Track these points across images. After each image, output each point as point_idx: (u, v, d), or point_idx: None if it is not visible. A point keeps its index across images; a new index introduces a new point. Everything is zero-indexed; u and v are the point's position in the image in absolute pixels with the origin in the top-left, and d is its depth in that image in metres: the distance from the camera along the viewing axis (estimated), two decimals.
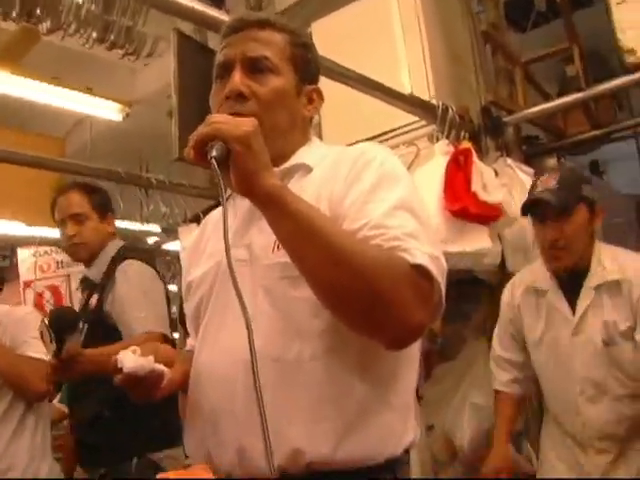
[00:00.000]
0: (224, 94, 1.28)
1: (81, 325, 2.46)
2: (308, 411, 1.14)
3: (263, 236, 1.23)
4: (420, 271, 1.07)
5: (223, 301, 1.27)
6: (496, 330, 2.62)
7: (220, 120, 1.07)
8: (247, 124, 1.06)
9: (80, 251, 2.77)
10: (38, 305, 4.15)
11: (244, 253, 1.25)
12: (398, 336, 1.11)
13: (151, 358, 1.20)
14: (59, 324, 2.27)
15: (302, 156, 1.34)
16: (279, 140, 1.29)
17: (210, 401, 1.24)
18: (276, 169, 1.22)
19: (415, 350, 1.28)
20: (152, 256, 3.05)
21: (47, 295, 4.62)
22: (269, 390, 1.10)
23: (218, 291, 1.30)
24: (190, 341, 1.48)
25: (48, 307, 4.45)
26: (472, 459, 3.02)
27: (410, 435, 1.24)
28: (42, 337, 2.40)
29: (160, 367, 1.22)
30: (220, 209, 1.34)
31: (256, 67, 1.29)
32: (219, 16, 2.16)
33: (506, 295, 2.59)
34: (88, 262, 2.80)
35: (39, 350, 2.52)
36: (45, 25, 1.72)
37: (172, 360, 1.29)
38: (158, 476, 1.15)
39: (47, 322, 2.33)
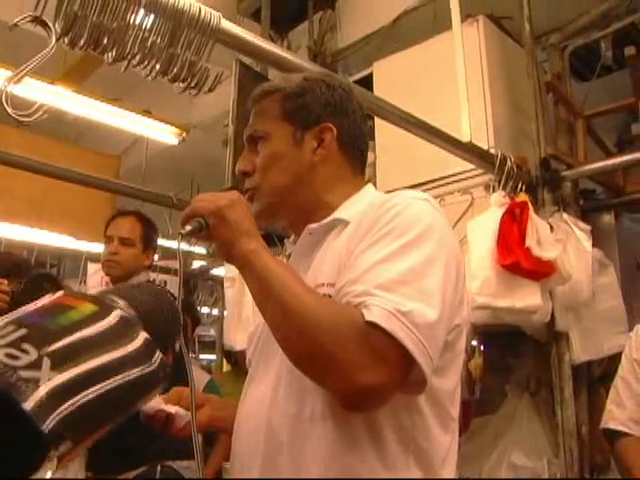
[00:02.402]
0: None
1: None
2: (318, 471, 1.11)
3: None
4: (376, 328, 1.01)
5: (262, 356, 1.31)
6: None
7: (200, 199, 1.18)
8: (224, 198, 1.16)
9: (113, 268, 2.93)
10: None
11: None
12: (347, 397, 1.05)
13: (159, 399, 1.33)
14: None
15: (344, 209, 1.31)
16: (290, 197, 1.33)
17: (239, 453, 1.27)
18: (314, 225, 1.29)
19: (445, 415, 1.19)
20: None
21: None
22: (285, 448, 1.14)
23: (262, 346, 1.33)
24: None
25: None
26: None
27: None
28: None
29: (171, 409, 1.33)
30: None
31: (253, 141, 1.38)
32: (282, 54, 2.17)
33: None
34: (117, 283, 2.94)
35: None
36: (110, 55, 1.72)
37: (200, 404, 1.38)
38: None
39: None
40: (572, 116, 3.68)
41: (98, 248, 4.31)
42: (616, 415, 2.29)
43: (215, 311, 5.72)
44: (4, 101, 1.55)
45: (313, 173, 1.33)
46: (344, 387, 1.02)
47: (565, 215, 3.14)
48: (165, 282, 4.67)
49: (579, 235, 3.06)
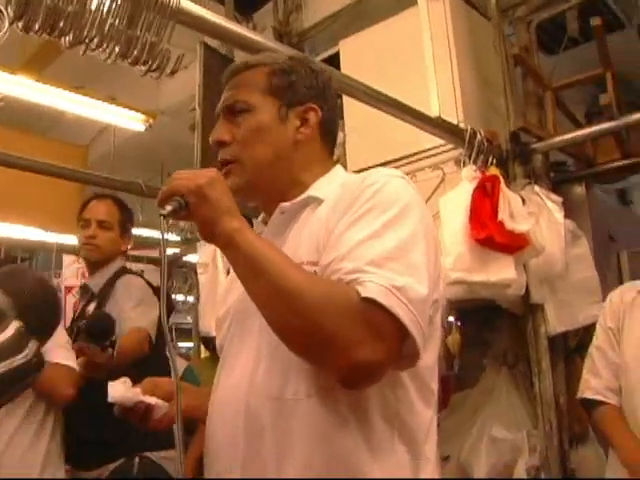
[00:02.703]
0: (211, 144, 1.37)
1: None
2: (303, 452, 1.11)
3: None
4: (373, 304, 1.01)
5: (237, 339, 1.29)
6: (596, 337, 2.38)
7: (177, 177, 1.14)
8: (203, 176, 1.13)
9: (93, 252, 2.89)
10: (75, 309, 4.19)
11: None
12: (346, 374, 1.05)
13: (138, 390, 1.27)
14: (107, 327, 2.50)
15: (317, 188, 1.31)
16: (269, 172, 1.32)
17: (216, 442, 1.25)
18: (287, 204, 1.29)
19: (426, 389, 1.19)
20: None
21: None
22: (268, 431, 1.12)
23: (234, 330, 1.32)
24: None
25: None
26: None
27: None
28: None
29: (151, 400, 1.28)
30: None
31: (233, 112, 1.34)
32: (246, 34, 2.12)
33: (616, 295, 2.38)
34: (93, 268, 2.92)
35: (67, 357, 2.53)
36: (67, 39, 1.67)
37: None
38: None
39: (88, 324, 2.54)
40: (541, 89, 3.67)
41: (71, 240, 4.25)
42: (592, 384, 2.30)
43: (190, 298, 5.68)
44: None
45: (294, 151, 1.33)
46: (343, 364, 1.02)
47: (536, 188, 3.14)
48: (142, 271, 4.61)
49: (551, 207, 3.06)
